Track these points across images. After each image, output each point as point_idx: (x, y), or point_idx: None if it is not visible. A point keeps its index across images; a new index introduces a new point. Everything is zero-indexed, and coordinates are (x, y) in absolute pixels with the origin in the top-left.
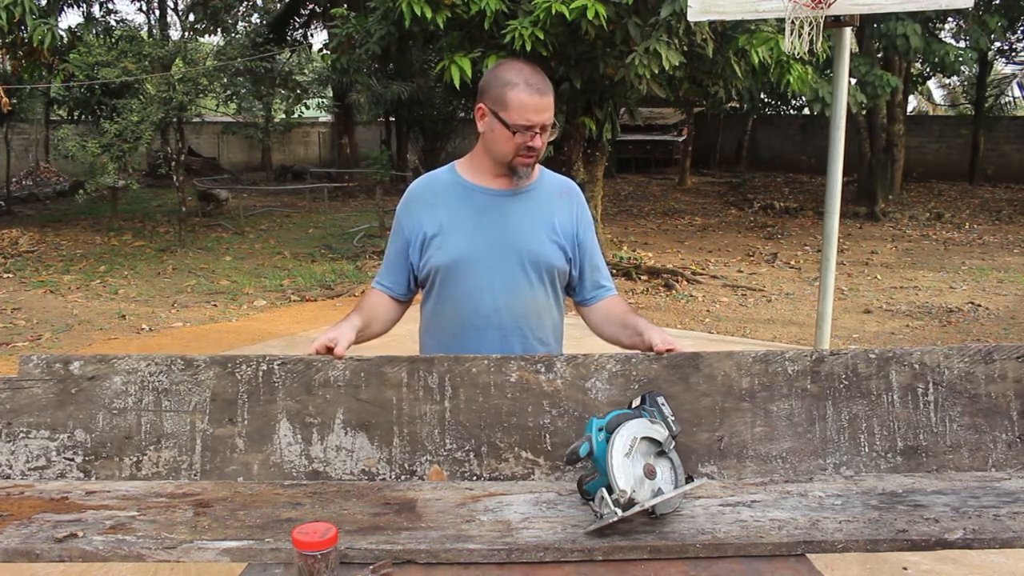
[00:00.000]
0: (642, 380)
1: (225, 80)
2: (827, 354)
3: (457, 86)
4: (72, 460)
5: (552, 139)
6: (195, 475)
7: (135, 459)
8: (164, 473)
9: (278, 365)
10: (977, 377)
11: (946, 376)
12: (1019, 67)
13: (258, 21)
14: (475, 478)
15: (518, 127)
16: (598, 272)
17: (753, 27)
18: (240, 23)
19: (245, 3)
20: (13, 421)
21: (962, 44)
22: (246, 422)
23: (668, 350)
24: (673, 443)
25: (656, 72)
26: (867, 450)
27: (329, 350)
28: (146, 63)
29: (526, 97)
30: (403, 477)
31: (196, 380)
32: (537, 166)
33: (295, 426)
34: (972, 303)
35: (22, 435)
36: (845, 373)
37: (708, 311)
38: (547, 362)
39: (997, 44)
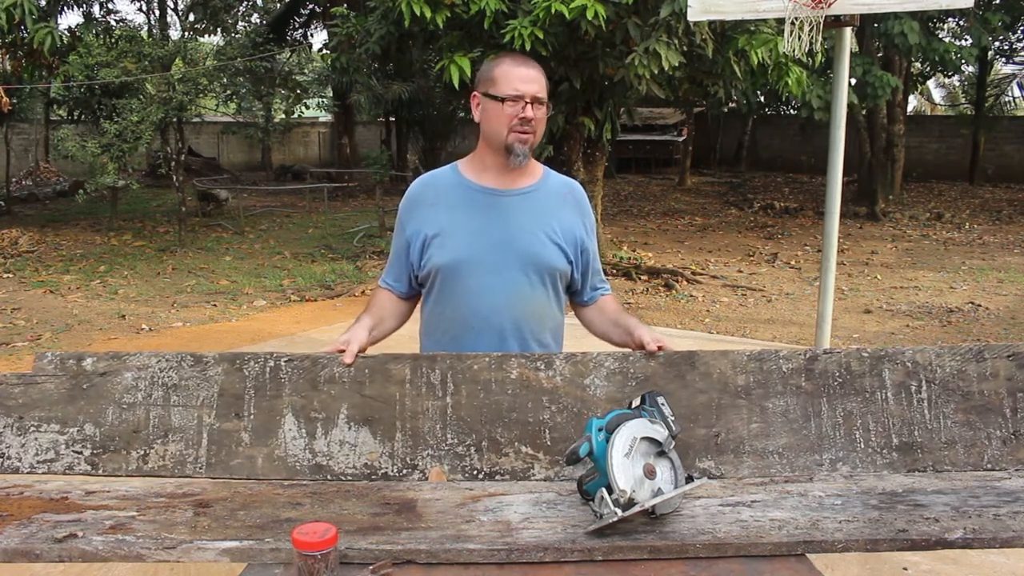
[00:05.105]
0: (639, 378)
1: (225, 80)
2: (821, 352)
3: (456, 86)
4: (80, 453)
5: (548, 138)
6: (200, 469)
7: (142, 452)
8: (170, 467)
9: (285, 362)
10: (969, 375)
11: (938, 374)
12: (1019, 67)
13: (258, 21)
14: (475, 472)
15: (508, 96)
16: (597, 275)
17: (752, 28)
18: (240, 23)
19: (245, 3)
20: (25, 416)
21: (962, 43)
22: (252, 417)
23: (659, 348)
24: (673, 443)
25: (656, 72)
26: (863, 446)
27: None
28: (146, 63)
29: (512, 68)
30: (404, 471)
31: (205, 376)
32: (541, 166)
33: (300, 421)
34: (972, 303)
35: (32, 429)
36: (839, 371)
37: (708, 311)
38: (547, 360)
39: (996, 44)
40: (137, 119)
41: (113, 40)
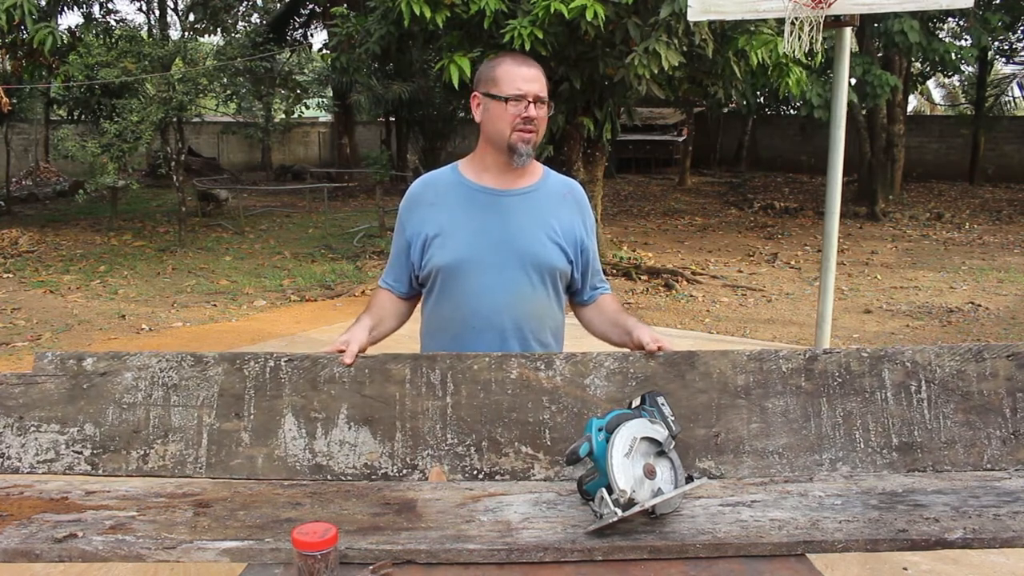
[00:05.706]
0: (639, 378)
1: (225, 80)
2: (820, 352)
3: (456, 86)
4: (80, 453)
5: (548, 138)
6: (200, 469)
7: (142, 452)
8: (170, 467)
9: (285, 362)
10: (968, 375)
11: (938, 374)
12: (1019, 67)
13: (258, 21)
14: (475, 472)
15: (510, 96)
16: (597, 275)
17: (752, 28)
18: (240, 23)
19: (245, 3)
20: (25, 416)
21: (962, 43)
22: (252, 417)
23: (658, 348)
24: (673, 443)
25: (656, 72)
26: (863, 446)
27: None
28: (146, 63)
29: (513, 68)
30: (404, 471)
31: (204, 376)
32: (541, 166)
33: (300, 421)
34: (972, 303)
35: (32, 429)
36: (838, 371)
37: (708, 311)
38: (547, 360)
39: (996, 44)
40: (137, 119)
41: (113, 40)
